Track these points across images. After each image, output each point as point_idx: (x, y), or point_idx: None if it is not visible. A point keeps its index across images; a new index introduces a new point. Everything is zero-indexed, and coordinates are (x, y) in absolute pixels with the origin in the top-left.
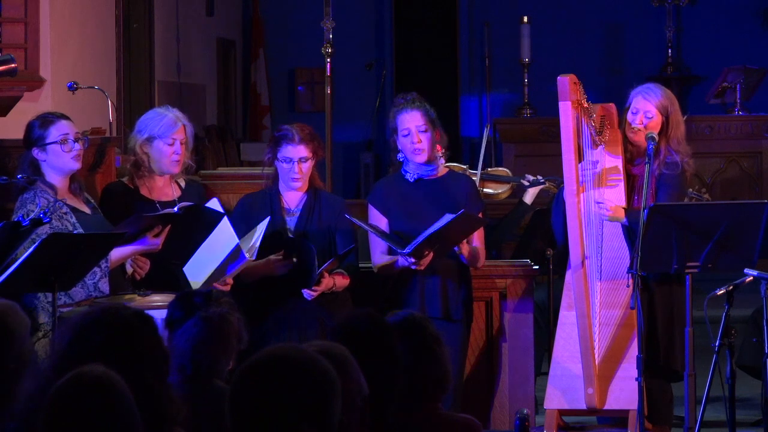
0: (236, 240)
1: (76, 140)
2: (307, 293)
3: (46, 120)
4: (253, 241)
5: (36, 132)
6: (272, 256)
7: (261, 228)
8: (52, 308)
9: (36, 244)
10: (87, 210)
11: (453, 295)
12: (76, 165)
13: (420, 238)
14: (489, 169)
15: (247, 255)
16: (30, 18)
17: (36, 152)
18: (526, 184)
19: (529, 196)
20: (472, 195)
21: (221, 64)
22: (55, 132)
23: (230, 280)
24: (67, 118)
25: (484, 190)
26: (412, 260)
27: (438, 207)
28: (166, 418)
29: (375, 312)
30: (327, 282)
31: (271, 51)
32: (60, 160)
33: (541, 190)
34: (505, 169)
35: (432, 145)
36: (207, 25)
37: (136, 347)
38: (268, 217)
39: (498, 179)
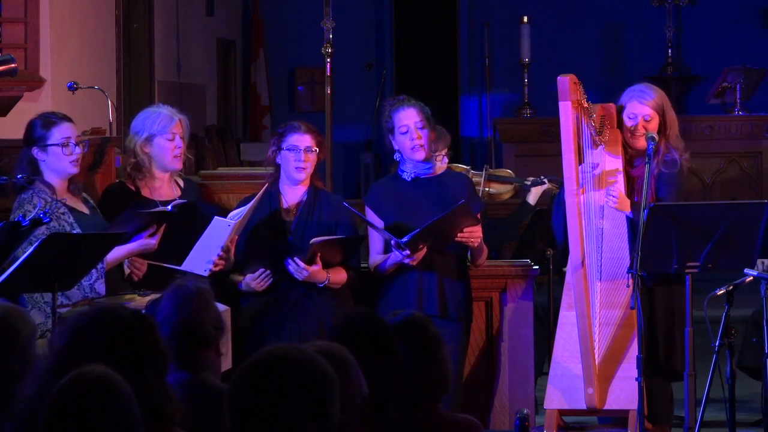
0: (223, 221)
1: (77, 144)
2: (293, 268)
3: (49, 120)
4: (241, 211)
5: (38, 131)
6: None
7: (252, 201)
8: (51, 308)
9: (36, 244)
10: (86, 210)
11: (451, 294)
12: (74, 169)
13: (418, 229)
14: (491, 170)
15: (230, 222)
16: (30, 18)
17: (35, 151)
18: (528, 183)
19: (533, 197)
20: (471, 193)
21: (221, 64)
22: (57, 134)
23: (224, 254)
24: (69, 120)
25: (488, 190)
26: (407, 252)
27: (437, 205)
28: (164, 417)
29: (372, 312)
30: (320, 273)
31: (271, 51)
32: (59, 163)
33: (543, 191)
34: (508, 170)
35: (429, 143)
36: (207, 25)
37: (134, 347)
38: (263, 190)
39: (501, 180)
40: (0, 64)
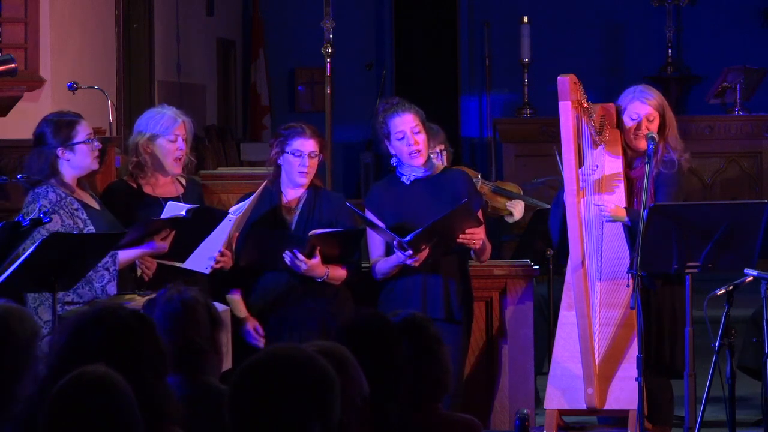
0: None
1: (96, 140)
2: (290, 260)
3: (70, 120)
4: (241, 206)
5: (62, 131)
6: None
7: (252, 196)
8: (55, 308)
9: (36, 244)
10: (97, 206)
11: (455, 296)
12: (97, 164)
13: (420, 229)
14: (499, 183)
15: (231, 217)
16: (30, 18)
17: (60, 151)
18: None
19: (516, 214)
20: (471, 190)
21: (221, 64)
22: (82, 132)
23: (225, 251)
24: (83, 117)
25: (491, 203)
26: (409, 252)
27: (437, 203)
28: (164, 417)
29: (380, 312)
30: (319, 267)
31: (271, 51)
32: (85, 160)
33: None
34: (516, 185)
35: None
36: (207, 25)
37: (133, 347)
38: (261, 187)
39: (507, 194)
40: (0, 64)
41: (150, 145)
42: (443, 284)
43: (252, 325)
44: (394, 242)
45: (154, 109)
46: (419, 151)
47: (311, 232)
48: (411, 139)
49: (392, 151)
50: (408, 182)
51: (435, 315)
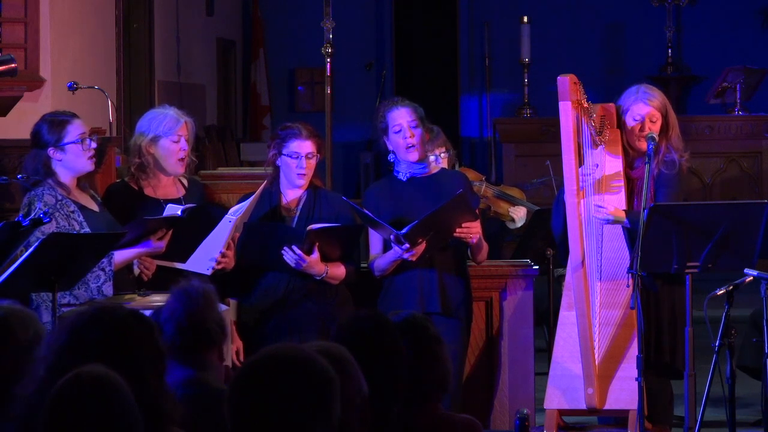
0: (224, 217)
1: (91, 139)
2: (289, 257)
3: (61, 120)
4: (241, 207)
5: (52, 132)
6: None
7: (252, 197)
8: (52, 308)
9: (36, 244)
10: (95, 207)
11: (452, 291)
12: (92, 166)
13: (416, 221)
14: (503, 187)
15: (231, 218)
16: (30, 18)
17: (51, 152)
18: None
19: (518, 220)
20: (467, 188)
21: (221, 64)
22: (73, 132)
23: (228, 251)
24: (78, 117)
25: (493, 207)
26: (406, 246)
27: (433, 201)
28: (163, 417)
29: (379, 312)
30: (318, 264)
31: (271, 51)
32: (78, 160)
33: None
34: (520, 191)
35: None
36: (207, 25)
37: (132, 346)
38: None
39: (510, 199)
40: (0, 64)
41: (153, 146)
42: (438, 278)
43: (235, 347)
44: (392, 236)
45: (155, 110)
46: (414, 146)
47: (309, 227)
48: (407, 132)
49: (389, 147)
50: (405, 179)
51: (431, 309)
